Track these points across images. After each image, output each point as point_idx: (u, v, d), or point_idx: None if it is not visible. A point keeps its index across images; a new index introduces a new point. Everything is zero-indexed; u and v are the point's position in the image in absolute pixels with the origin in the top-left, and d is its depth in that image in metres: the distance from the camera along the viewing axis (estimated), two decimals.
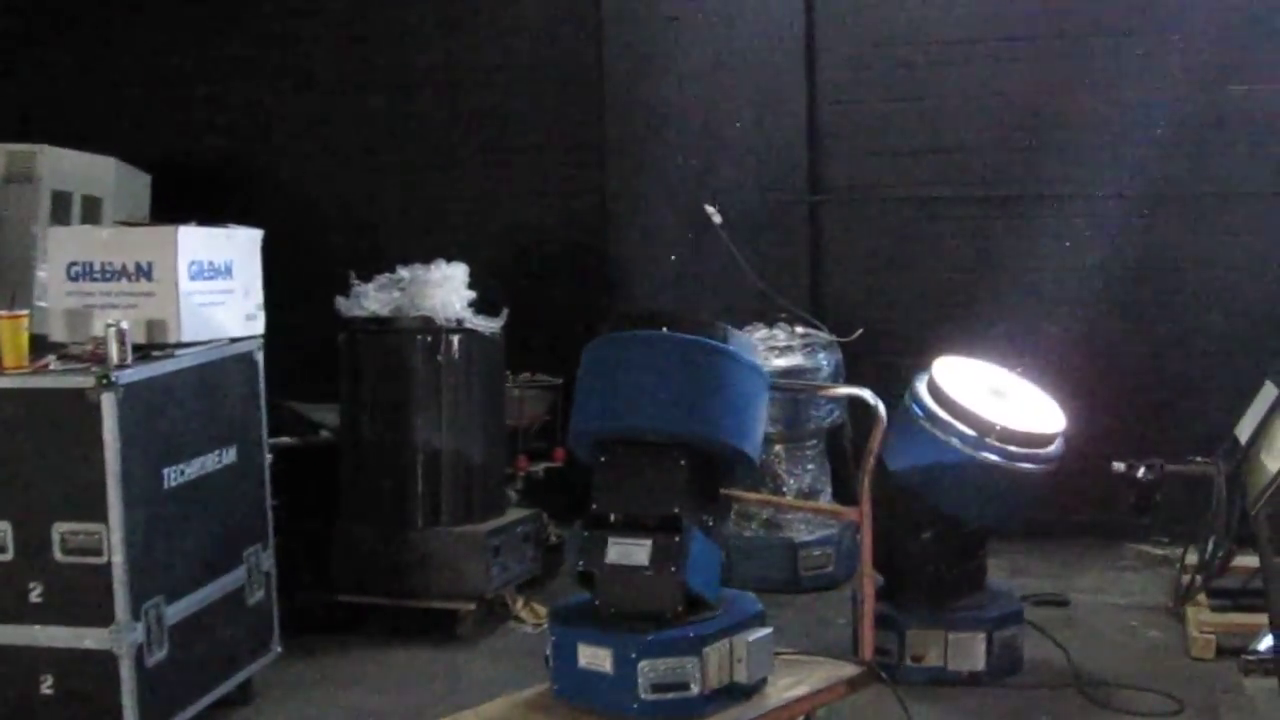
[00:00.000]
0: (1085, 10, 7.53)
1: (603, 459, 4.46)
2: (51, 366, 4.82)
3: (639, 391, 4.39)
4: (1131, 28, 7.47)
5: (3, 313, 4.89)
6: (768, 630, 4.59)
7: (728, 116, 7.74)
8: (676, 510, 4.39)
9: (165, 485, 4.87)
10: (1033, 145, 7.65)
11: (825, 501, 6.95)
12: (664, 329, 4.43)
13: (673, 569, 4.31)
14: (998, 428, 5.35)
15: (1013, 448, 5.34)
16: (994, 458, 5.32)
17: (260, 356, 5.51)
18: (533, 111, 8.33)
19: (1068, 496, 7.52)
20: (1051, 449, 5.49)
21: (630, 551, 4.35)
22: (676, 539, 4.34)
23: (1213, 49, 7.38)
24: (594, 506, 4.44)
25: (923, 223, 7.80)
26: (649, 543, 4.35)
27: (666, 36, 7.77)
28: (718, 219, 7.67)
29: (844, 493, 6.97)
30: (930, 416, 5.43)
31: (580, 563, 4.40)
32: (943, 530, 5.45)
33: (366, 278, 6.52)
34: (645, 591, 4.36)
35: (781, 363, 6.81)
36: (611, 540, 4.36)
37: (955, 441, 5.34)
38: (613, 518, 4.43)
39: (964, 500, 5.39)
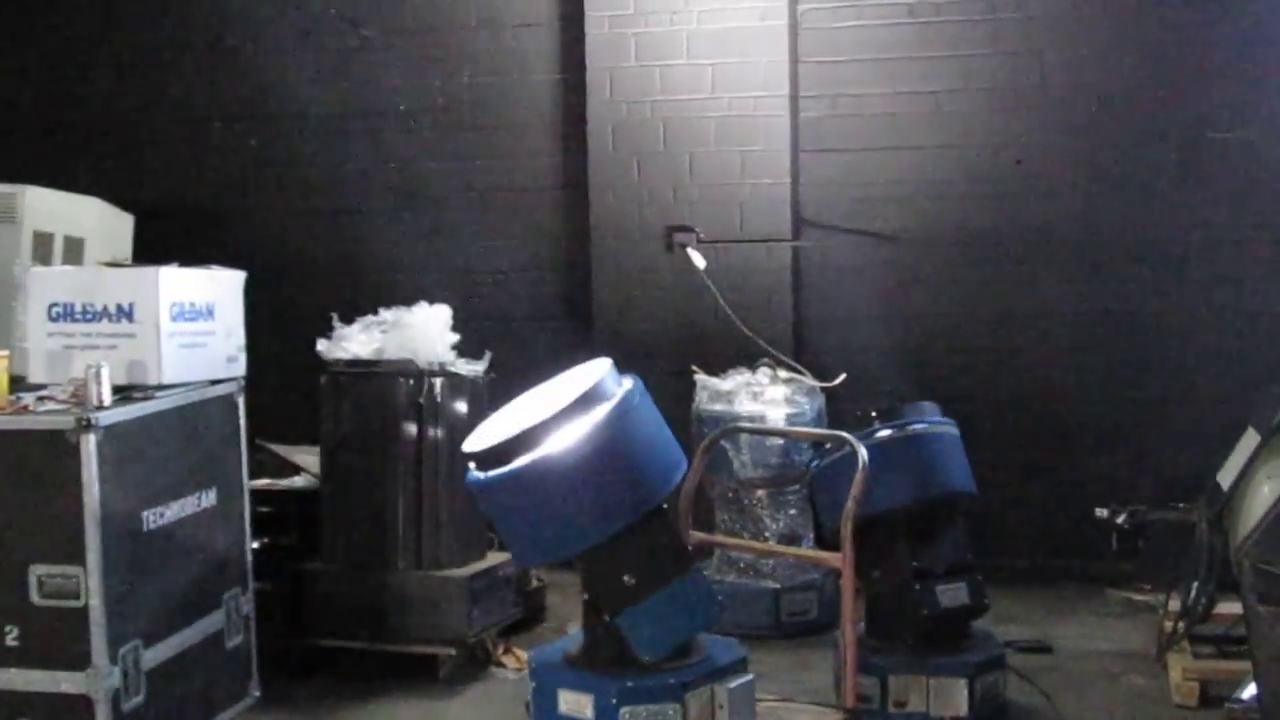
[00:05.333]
0: (1061, 62, 7.59)
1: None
2: (31, 407, 4.80)
3: None
4: (1106, 78, 7.53)
5: None
6: (749, 677, 4.58)
7: (711, 161, 7.77)
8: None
9: (144, 528, 4.84)
10: (1014, 191, 7.68)
11: (807, 547, 6.93)
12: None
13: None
14: (874, 414, 5.61)
15: (895, 424, 5.56)
16: (886, 433, 5.49)
17: (241, 399, 5.49)
18: (517, 152, 8.34)
19: (1051, 543, 7.56)
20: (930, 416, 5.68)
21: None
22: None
23: (1190, 97, 7.45)
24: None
25: (905, 268, 7.82)
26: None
27: (651, 80, 7.81)
28: (701, 264, 7.69)
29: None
30: (823, 462, 5.64)
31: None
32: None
33: (348, 320, 6.51)
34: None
35: (764, 409, 6.81)
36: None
37: (847, 448, 5.42)
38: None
39: (895, 485, 5.37)
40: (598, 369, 4.62)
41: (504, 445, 4.44)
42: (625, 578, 4.46)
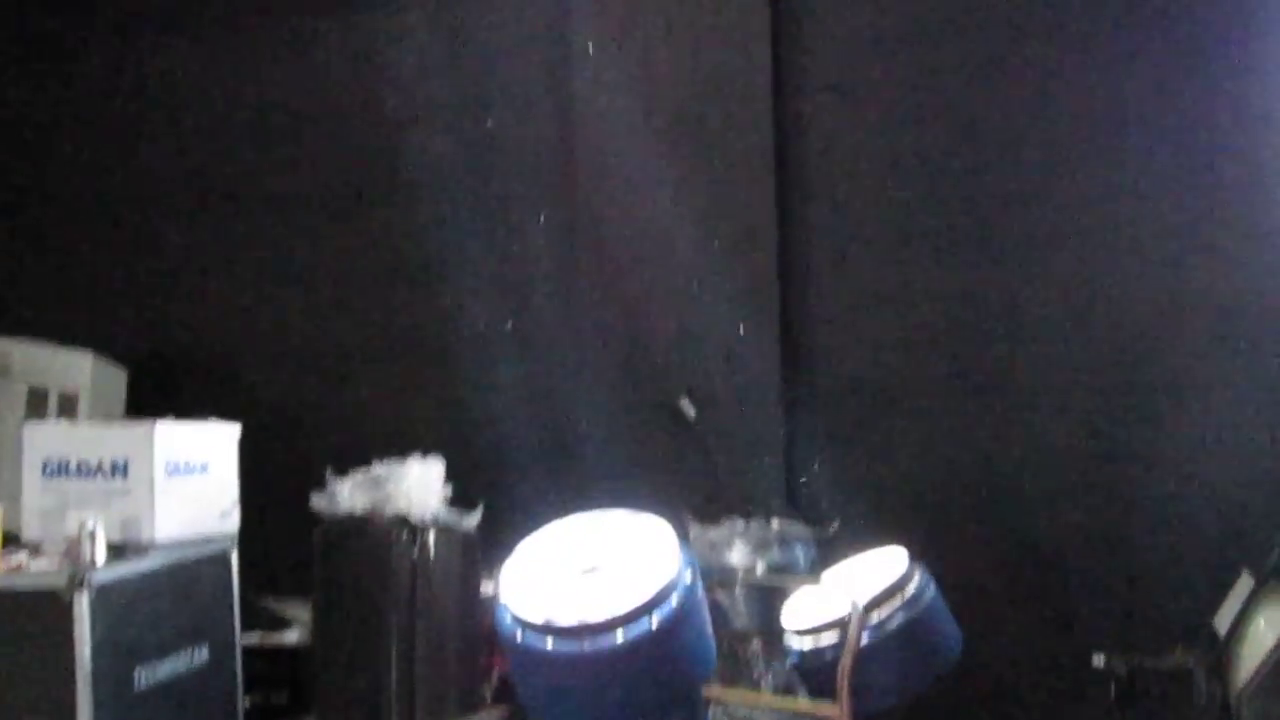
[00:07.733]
0: (1053, 207, 7.68)
1: None
2: (23, 565, 4.78)
3: None
4: (1094, 224, 7.62)
5: None
6: None
7: (704, 312, 7.80)
8: None
9: (136, 687, 4.80)
10: (1009, 326, 7.71)
11: (804, 698, 6.86)
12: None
13: None
14: (859, 606, 5.33)
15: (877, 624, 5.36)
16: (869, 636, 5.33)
17: (234, 555, 5.49)
18: (505, 303, 8.39)
19: (1047, 692, 7.50)
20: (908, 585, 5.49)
21: None
22: None
23: (1175, 238, 7.52)
24: None
25: (899, 414, 7.83)
26: None
27: (644, 241, 7.86)
28: (692, 413, 7.70)
29: None
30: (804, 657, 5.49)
31: None
32: None
33: (343, 473, 6.50)
34: None
35: (757, 558, 6.78)
36: None
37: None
38: None
39: (908, 677, 5.38)
40: (668, 553, 4.60)
41: (576, 627, 4.38)
42: None
